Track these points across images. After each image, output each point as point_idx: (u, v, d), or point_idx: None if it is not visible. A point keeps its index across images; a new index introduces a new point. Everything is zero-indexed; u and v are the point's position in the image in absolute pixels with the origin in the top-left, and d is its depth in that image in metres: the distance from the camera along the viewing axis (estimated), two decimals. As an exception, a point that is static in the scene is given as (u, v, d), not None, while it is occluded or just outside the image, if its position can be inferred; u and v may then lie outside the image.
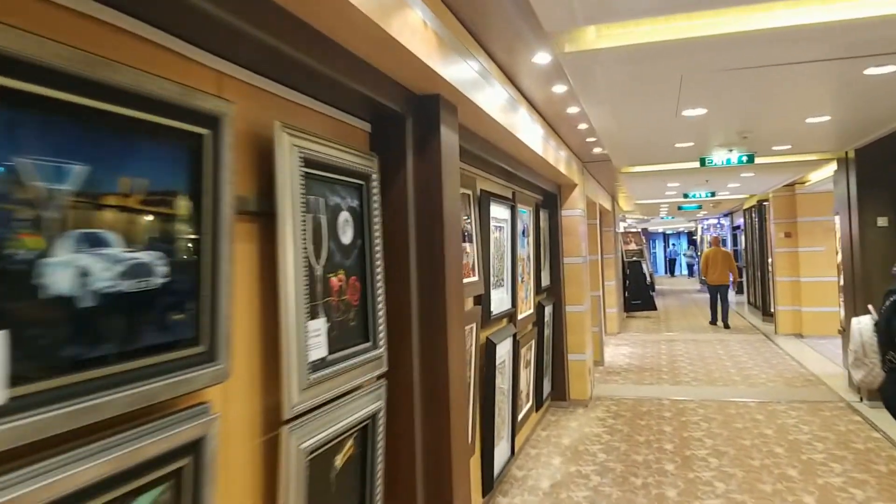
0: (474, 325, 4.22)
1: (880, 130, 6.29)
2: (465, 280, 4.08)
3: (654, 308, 17.09)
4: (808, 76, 3.93)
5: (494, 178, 5.25)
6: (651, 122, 5.27)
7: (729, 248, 21.65)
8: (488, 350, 4.52)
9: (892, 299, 3.70)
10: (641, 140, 6.11)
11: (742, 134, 5.56)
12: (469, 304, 4.37)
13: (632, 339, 13.35)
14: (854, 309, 7.57)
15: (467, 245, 4.25)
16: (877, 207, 7.23)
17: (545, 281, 7.14)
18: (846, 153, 7.54)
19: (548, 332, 7.10)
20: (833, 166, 9.26)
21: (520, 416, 5.75)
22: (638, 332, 14.37)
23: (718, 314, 14.78)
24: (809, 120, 5.24)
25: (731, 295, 18.21)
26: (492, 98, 3.76)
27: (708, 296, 15.37)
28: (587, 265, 8.38)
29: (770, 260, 14.07)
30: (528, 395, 6.27)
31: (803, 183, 12.19)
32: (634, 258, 17.38)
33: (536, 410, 6.75)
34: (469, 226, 4.32)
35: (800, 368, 9.75)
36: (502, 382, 4.97)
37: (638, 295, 16.63)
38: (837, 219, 9.22)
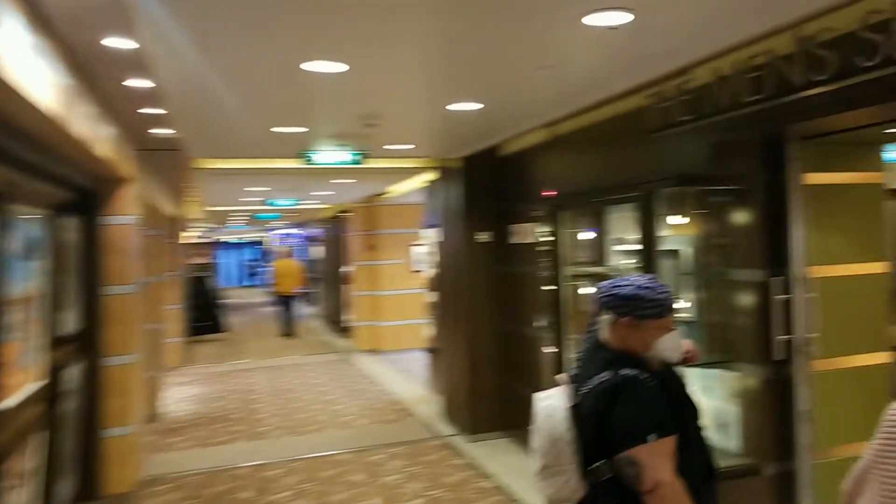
0: None
1: (510, 131, 5.55)
2: None
3: (224, 330, 15.09)
4: (514, 20, 2.62)
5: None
6: (255, 79, 3.41)
7: (301, 259, 20.99)
8: None
9: (605, 379, 2.39)
10: (233, 116, 4.19)
11: (367, 120, 4.15)
12: None
13: (198, 373, 11.09)
14: (455, 325, 6.91)
15: None
16: (482, 222, 6.68)
17: (69, 327, 4.58)
18: (449, 162, 6.85)
19: (71, 406, 4.57)
20: (426, 176, 8.72)
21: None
22: (206, 362, 12.16)
23: (289, 326, 14.83)
24: (456, 106, 4.05)
25: (300, 307, 17.90)
26: None
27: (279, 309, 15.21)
28: (143, 292, 6.00)
29: (349, 273, 13.50)
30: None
31: (386, 194, 11.78)
32: (201, 273, 15.10)
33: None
34: None
35: (385, 395, 8.98)
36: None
37: (205, 316, 14.41)
38: (431, 232, 8.74)
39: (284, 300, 14.80)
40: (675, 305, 2.37)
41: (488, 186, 6.67)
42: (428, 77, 3.44)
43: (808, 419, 3.82)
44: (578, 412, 2.38)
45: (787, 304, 3.83)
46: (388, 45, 2.92)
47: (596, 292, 2.51)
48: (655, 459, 2.16)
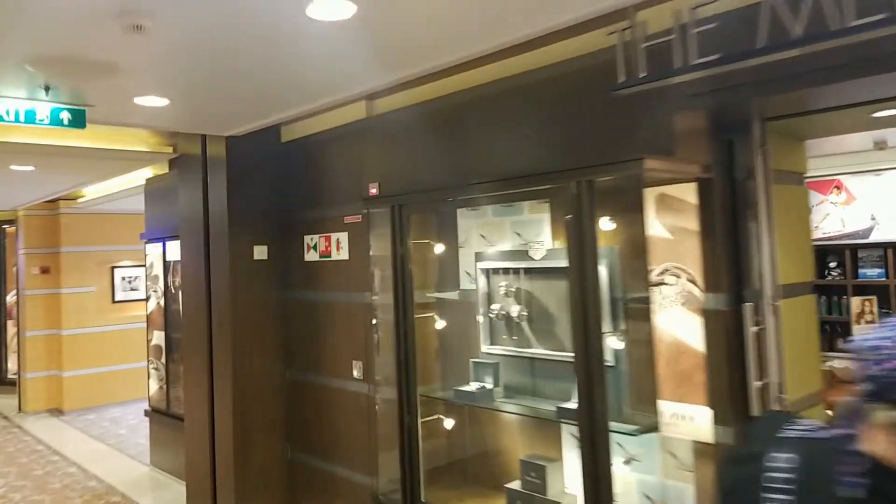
0: None
1: (322, 98, 3.80)
2: None
3: None
4: None
5: None
6: None
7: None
8: None
9: None
10: None
11: (130, 18, 2.07)
12: None
13: None
14: (210, 375, 4.85)
15: None
16: (257, 232, 4.77)
17: None
18: (204, 142, 4.83)
19: None
20: (147, 172, 6.46)
21: None
22: None
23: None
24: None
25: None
26: None
27: None
28: None
29: (14, 305, 10.06)
30: None
31: (75, 199, 8.87)
32: None
33: None
34: None
35: (86, 479, 6.31)
36: None
37: None
38: (157, 248, 6.41)
39: None
40: None
41: (266, 182, 4.82)
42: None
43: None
44: None
45: (757, 339, 2.88)
46: None
47: (853, 363, 1.08)
48: None
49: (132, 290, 9.74)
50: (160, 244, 6.31)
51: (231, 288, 4.68)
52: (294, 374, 4.74)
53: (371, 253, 3.86)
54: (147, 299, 6.85)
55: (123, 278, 9.71)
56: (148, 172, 6.55)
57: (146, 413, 6.64)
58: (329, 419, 4.43)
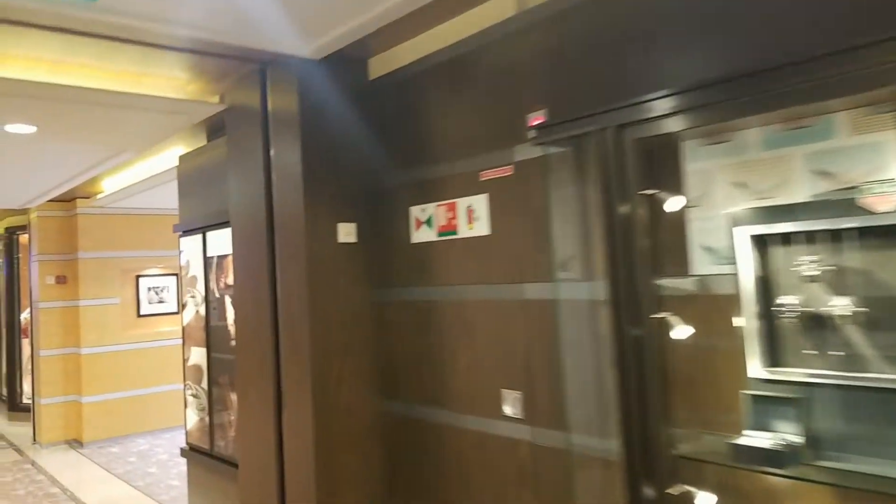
0: None
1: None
2: None
3: None
4: None
5: None
6: None
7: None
8: None
9: None
10: None
11: None
12: None
13: None
14: (276, 405, 3.42)
15: None
16: (343, 206, 3.36)
17: None
18: (264, 85, 3.46)
19: None
20: (179, 149, 5.16)
21: None
22: None
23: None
24: None
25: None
26: None
27: None
28: None
29: (28, 321, 8.83)
30: None
31: (93, 195, 7.59)
32: None
33: None
34: None
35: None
36: None
37: None
38: (194, 241, 5.03)
39: None
40: None
41: (350, 135, 3.42)
42: None
43: None
44: None
45: None
46: None
47: None
48: None
49: (160, 302, 8.47)
50: (199, 236, 4.94)
51: (308, 284, 3.26)
52: (400, 408, 3.30)
53: (552, 219, 2.41)
54: (183, 308, 5.46)
55: (150, 288, 8.44)
56: (180, 150, 5.24)
57: (183, 452, 5.24)
58: (458, 475, 2.98)
